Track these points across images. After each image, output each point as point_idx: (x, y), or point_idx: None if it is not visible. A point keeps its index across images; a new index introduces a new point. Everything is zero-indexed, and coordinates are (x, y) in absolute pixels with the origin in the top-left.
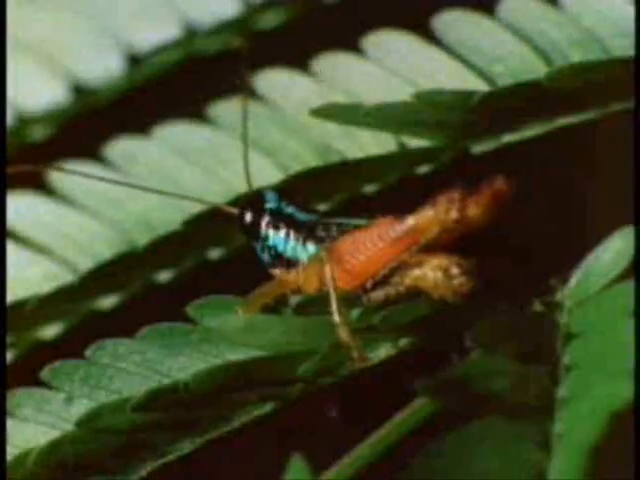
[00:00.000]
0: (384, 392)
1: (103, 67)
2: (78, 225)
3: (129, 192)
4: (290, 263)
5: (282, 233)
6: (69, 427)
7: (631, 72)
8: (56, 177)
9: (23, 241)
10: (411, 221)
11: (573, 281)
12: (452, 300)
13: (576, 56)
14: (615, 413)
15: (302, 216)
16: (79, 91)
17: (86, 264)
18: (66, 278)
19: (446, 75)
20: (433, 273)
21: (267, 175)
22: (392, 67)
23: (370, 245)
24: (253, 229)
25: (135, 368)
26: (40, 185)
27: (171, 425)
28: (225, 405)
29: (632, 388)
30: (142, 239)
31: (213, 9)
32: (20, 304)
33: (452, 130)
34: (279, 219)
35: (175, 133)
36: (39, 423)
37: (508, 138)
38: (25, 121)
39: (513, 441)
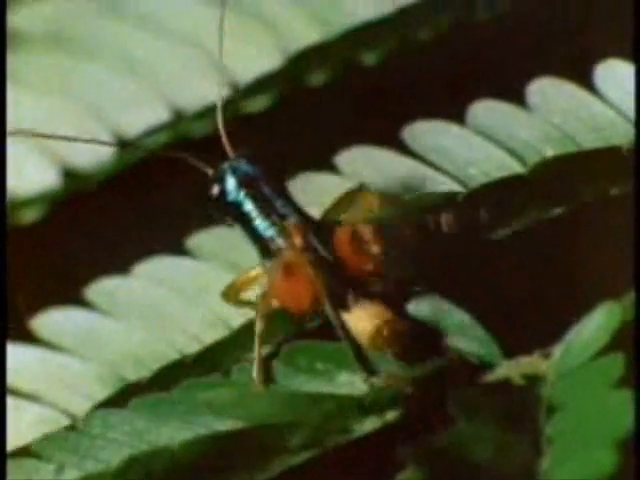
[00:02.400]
0: (369, 462)
1: (93, 151)
2: (65, 366)
3: (114, 329)
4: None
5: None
6: None
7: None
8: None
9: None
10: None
11: (556, 354)
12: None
13: (550, 152)
14: None
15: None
16: (70, 175)
17: (80, 405)
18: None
19: (420, 181)
20: (362, 327)
21: None
22: (369, 180)
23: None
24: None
25: (124, 437)
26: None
27: None
28: (210, 475)
29: (614, 458)
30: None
31: (200, 94)
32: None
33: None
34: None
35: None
36: None
37: (501, 233)
38: (17, 204)
39: None
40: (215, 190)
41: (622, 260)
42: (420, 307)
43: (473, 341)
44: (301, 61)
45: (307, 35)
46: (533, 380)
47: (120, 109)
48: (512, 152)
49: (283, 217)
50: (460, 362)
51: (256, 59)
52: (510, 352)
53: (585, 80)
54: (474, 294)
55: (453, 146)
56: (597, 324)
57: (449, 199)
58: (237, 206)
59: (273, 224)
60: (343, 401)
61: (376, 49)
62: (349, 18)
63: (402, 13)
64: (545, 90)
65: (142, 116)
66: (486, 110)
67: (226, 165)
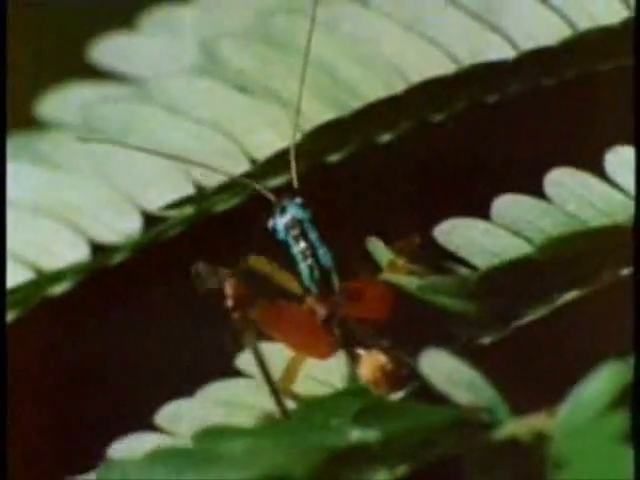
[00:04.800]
0: None
1: (121, 228)
2: None
3: None
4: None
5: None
6: None
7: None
8: None
9: None
10: None
11: (561, 413)
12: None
13: None
14: None
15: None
16: (98, 251)
17: None
18: None
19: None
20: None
21: None
22: None
23: None
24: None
25: None
26: None
27: None
28: None
29: None
30: None
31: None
32: None
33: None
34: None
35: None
36: None
37: (515, 324)
38: (46, 279)
39: None
40: (270, 224)
41: (624, 320)
42: (430, 362)
43: (482, 399)
44: (318, 139)
45: (322, 114)
46: (540, 437)
47: (148, 188)
48: (530, 241)
49: (322, 267)
50: (474, 415)
51: (272, 137)
52: (517, 409)
53: (597, 167)
54: (481, 351)
55: (479, 240)
56: (601, 383)
57: (462, 283)
58: (285, 245)
59: (311, 272)
60: (355, 455)
61: (390, 130)
62: (362, 99)
63: (414, 94)
64: (561, 180)
65: (169, 194)
66: (509, 203)
67: (280, 202)
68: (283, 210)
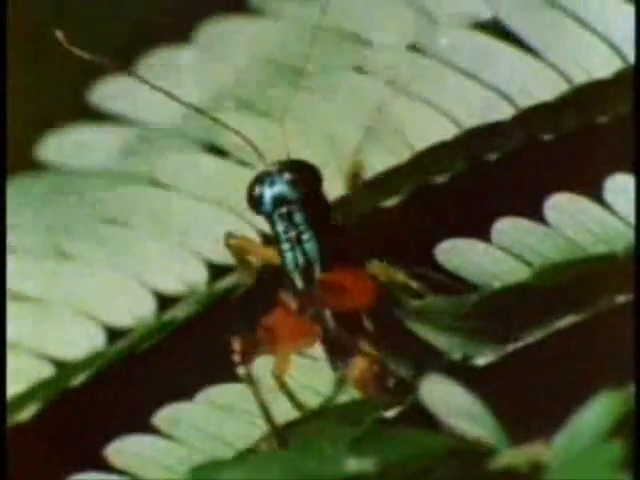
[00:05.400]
0: None
1: (136, 314)
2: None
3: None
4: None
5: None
6: None
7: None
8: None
9: None
10: None
11: (558, 442)
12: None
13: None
14: None
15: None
16: (115, 337)
17: None
18: None
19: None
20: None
21: None
22: None
23: None
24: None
25: None
26: None
27: None
28: None
29: None
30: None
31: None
32: None
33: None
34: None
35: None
36: None
37: (512, 346)
38: (66, 370)
39: None
40: (256, 191)
41: (624, 349)
42: (430, 389)
43: (481, 427)
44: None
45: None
46: (537, 467)
47: (159, 271)
48: (529, 264)
49: (306, 257)
50: (473, 444)
51: None
52: (514, 438)
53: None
54: (476, 375)
55: (479, 261)
56: (599, 411)
57: (459, 305)
58: (269, 220)
59: (296, 262)
60: None
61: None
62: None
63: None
64: (561, 205)
65: (180, 275)
66: (509, 226)
67: (269, 173)
68: (272, 183)
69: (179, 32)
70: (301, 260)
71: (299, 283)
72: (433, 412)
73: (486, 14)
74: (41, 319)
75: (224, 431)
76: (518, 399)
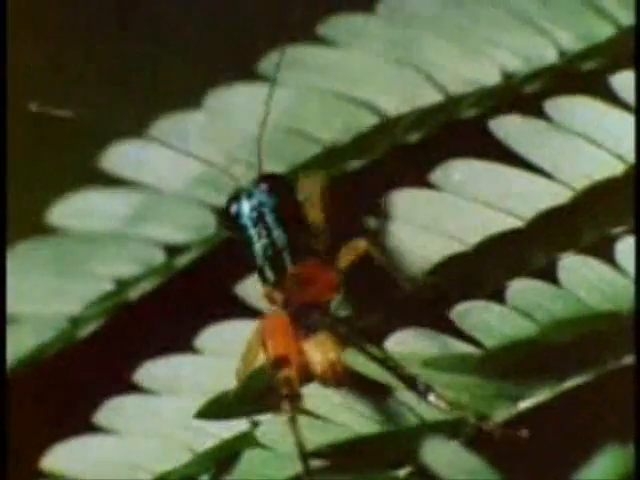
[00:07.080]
0: None
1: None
2: None
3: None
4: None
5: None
6: None
7: (623, 326)
8: None
9: None
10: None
11: None
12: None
13: None
14: None
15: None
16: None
17: None
18: None
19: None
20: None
21: None
22: None
23: None
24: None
25: None
26: None
27: None
28: None
29: None
30: None
31: None
32: None
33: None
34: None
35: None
36: None
37: (524, 404)
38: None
39: None
40: (233, 209)
41: (625, 405)
42: (433, 451)
43: None
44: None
45: None
46: None
47: None
48: (539, 324)
49: (275, 245)
50: None
51: None
52: None
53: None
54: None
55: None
56: (601, 470)
57: (466, 361)
58: (243, 230)
59: (265, 250)
60: None
61: None
62: None
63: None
64: (573, 266)
65: None
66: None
67: (243, 189)
68: (250, 196)
69: (189, 97)
70: (270, 250)
71: (269, 275)
72: (438, 475)
73: None
74: None
75: None
76: (520, 457)
